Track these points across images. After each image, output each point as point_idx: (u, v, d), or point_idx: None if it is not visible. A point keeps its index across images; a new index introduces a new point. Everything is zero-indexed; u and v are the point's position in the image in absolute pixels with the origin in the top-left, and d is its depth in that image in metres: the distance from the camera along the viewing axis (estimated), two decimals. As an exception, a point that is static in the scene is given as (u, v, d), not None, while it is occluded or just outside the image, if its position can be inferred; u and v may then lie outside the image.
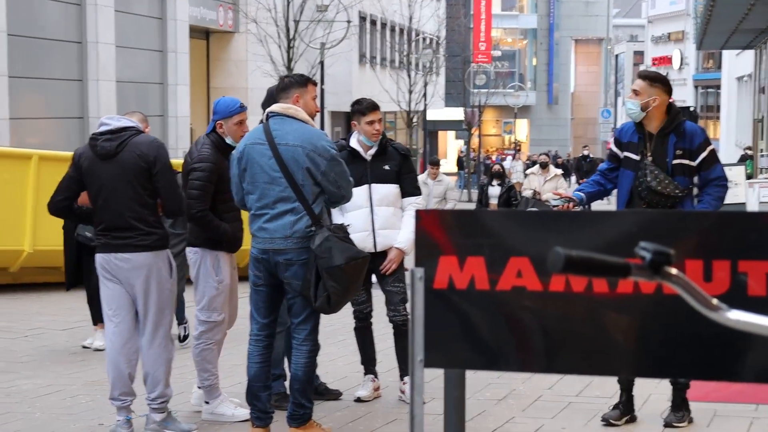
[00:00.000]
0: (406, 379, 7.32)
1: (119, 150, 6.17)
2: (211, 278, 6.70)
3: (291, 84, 6.24)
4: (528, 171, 19.92)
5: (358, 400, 7.30)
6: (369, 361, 7.48)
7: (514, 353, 2.76)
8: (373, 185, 7.17)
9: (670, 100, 6.54)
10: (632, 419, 6.65)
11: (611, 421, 6.58)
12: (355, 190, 7.10)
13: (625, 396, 6.69)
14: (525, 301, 2.70)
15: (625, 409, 6.66)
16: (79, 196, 6.44)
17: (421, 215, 2.80)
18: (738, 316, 1.96)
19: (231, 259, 6.82)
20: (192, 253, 6.80)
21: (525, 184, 19.03)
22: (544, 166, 18.85)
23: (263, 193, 6.06)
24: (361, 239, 7.12)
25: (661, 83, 6.47)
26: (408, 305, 7.73)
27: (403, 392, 7.34)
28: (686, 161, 6.39)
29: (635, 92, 6.45)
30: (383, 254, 7.21)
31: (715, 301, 1.96)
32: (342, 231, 6.09)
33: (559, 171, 19.54)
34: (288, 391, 6.63)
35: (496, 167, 20.08)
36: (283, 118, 6.10)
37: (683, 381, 6.46)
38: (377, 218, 7.16)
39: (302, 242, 6.00)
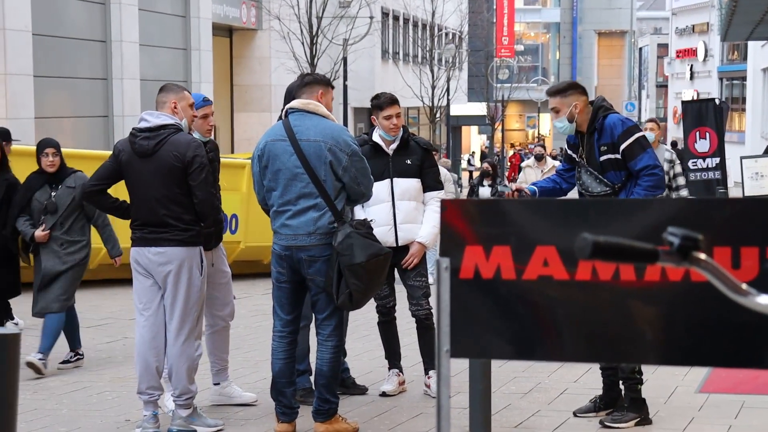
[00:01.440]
0: (431, 373, 7.31)
1: (157, 149, 6.20)
2: None
3: (315, 81, 6.27)
4: (524, 164, 18.04)
5: (383, 394, 7.29)
6: (393, 356, 7.47)
7: (540, 342, 2.74)
8: (395, 179, 7.17)
9: (590, 100, 6.54)
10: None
11: (581, 414, 6.59)
12: (377, 184, 7.11)
13: (608, 392, 6.65)
14: (551, 290, 2.69)
15: (603, 404, 6.62)
16: (111, 186, 6.49)
17: (446, 205, 2.79)
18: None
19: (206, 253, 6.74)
20: None
21: (521, 177, 17.41)
22: (539, 158, 17.40)
23: (285, 189, 6.07)
24: (383, 233, 7.12)
25: (571, 89, 6.51)
26: (431, 299, 7.77)
27: (428, 386, 7.33)
28: (612, 156, 6.32)
29: (555, 110, 6.48)
30: (405, 248, 7.21)
31: (744, 285, 1.94)
32: (365, 227, 6.07)
33: (557, 162, 18.36)
34: (313, 386, 6.64)
35: (485, 165, 18.15)
36: (304, 114, 6.10)
37: (635, 376, 6.37)
38: (399, 212, 7.15)
39: (325, 238, 6.00)
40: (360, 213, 7.17)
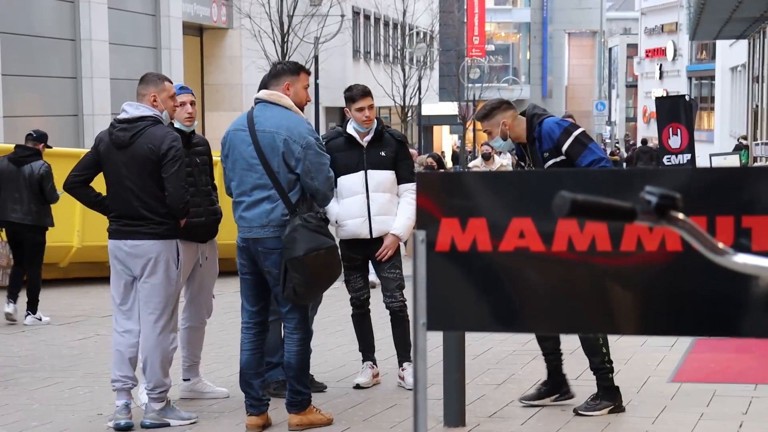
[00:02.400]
0: (406, 365, 7.31)
1: (133, 141, 6.19)
2: None
3: (283, 71, 6.18)
4: (471, 164, 17.44)
5: (357, 387, 7.28)
6: (367, 348, 7.45)
7: (517, 314, 2.74)
8: (369, 171, 7.14)
9: (519, 113, 6.56)
10: (568, 396, 6.65)
11: (526, 401, 6.63)
12: (351, 177, 7.11)
13: (552, 377, 6.68)
14: (528, 261, 2.68)
15: (547, 390, 6.66)
16: (93, 178, 6.47)
17: (421, 178, 2.78)
18: (744, 260, 1.94)
19: (185, 247, 6.69)
20: None
21: None
22: (487, 157, 16.78)
23: (241, 179, 6.07)
24: (357, 225, 7.12)
25: (495, 109, 6.51)
26: (405, 292, 7.76)
27: (402, 378, 7.32)
28: (556, 159, 6.31)
29: (487, 132, 6.57)
30: (379, 240, 7.20)
31: (721, 245, 1.94)
32: (315, 219, 5.98)
33: (505, 161, 17.27)
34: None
35: (429, 160, 16.84)
36: (266, 105, 6.08)
37: (605, 366, 6.41)
38: (373, 204, 7.13)
39: (279, 231, 5.99)
40: (335, 206, 7.16)
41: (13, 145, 11.22)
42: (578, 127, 6.44)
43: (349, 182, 7.15)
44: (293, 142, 5.93)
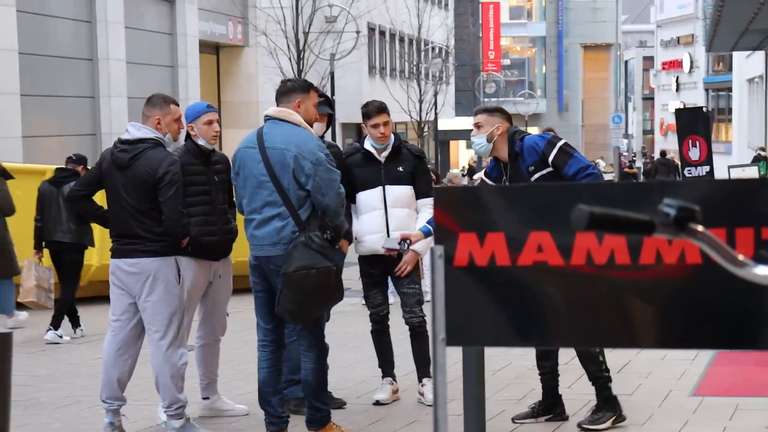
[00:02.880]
0: (425, 380, 7.29)
1: (131, 162, 6.25)
2: None
3: (293, 88, 6.18)
4: (476, 176, 17.46)
5: (377, 403, 7.27)
6: (387, 364, 7.44)
7: (537, 328, 2.73)
8: (387, 187, 7.15)
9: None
10: (563, 417, 6.63)
11: (519, 420, 6.62)
12: (370, 192, 7.12)
13: (547, 397, 6.66)
14: (547, 276, 2.68)
15: (542, 409, 6.65)
16: (95, 193, 6.56)
17: (438, 193, 2.78)
18: (765, 271, 1.93)
19: (199, 265, 6.78)
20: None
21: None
22: (471, 172, 16.38)
23: (252, 197, 6.07)
24: (376, 241, 7.13)
25: (500, 112, 6.51)
26: (425, 306, 7.75)
27: (422, 394, 7.31)
28: (543, 171, 6.27)
29: (477, 126, 6.45)
30: (398, 256, 7.19)
31: (741, 257, 1.93)
32: (319, 239, 5.94)
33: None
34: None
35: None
36: (276, 122, 6.08)
37: (604, 375, 6.39)
38: (392, 220, 7.14)
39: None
40: (354, 222, 7.18)
41: (35, 165, 11.41)
42: (560, 138, 6.44)
43: (368, 198, 7.16)
44: (303, 159, 5.92)
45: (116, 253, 6.36)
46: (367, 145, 7.23)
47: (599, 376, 6.38)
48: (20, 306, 11.38)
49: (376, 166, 7.19)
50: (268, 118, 6.14)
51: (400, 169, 7.18)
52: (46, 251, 10.83)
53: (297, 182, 5.93)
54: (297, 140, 5.96)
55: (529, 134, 6.45)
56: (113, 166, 6.31)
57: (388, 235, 7.14)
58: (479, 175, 16.12)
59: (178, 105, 6.53)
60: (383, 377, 7.43)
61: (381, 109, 7.20)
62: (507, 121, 6.47)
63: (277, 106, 6.18)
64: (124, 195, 6.27)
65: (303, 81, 6.33)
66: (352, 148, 7.40)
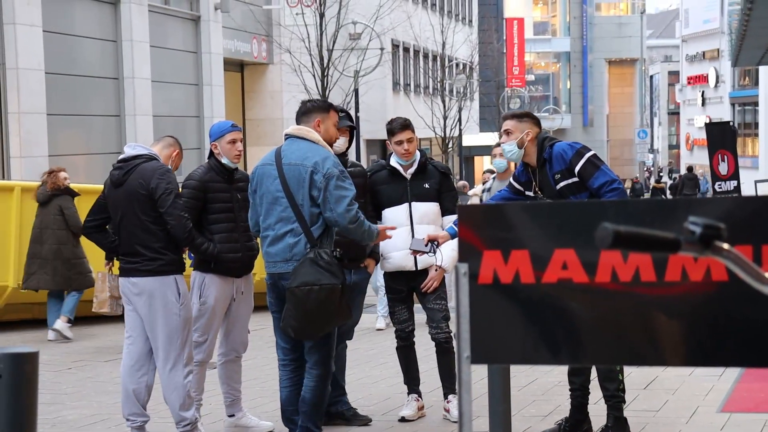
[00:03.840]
0: (451, 397, 7.29)
1: (125, 178, 6.36)
2: (195, 298, 6.82)
3: (313, 108, 6.26)
4: (470, 192, 16.23)
5: (403, 419, 7.26)
6: (412, 381, 7.45)
7: (561, 346, 2.72)
8: (414, 203, 7.20)
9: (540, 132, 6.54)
10: None
11: None
12: (396, 209, 7.16)
13: (575, 414, 6.63)
14: (571, 293, 2.67)
15: (569, 426, 6.62)
16: (108, 221, 6.66)
17: (462, 211, 2.78)
18: (792, 289, 1.92)
19: (222, 282, 6.83)
20: (192, 276, 6.94)
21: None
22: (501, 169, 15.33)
23: (267, 213, 6.12)
24: (402, 257, 7.16)
25: (529, 117, 6.52)
26: (451, 323, 7.75)
27: (447, 411, 7.30)
28: (569, 180, 6.27)
29: (507, 132, 6.44)
30: (424, 272, 7.25)
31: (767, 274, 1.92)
32: (327, 256, 5.93)
33: (479, 190, 15.77)
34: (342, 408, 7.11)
35: None
36: (295, 140, 6.13)
37: (619, 395, 6.34)
38: (418, 236, 7.15)
39: None
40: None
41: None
42: (590, 149, 6.42)
43: (394, 215, 7.20)
44: (316, 174, 5.96)
45: (122, 272, 6.51)
46: (393, 161, 7.28)
47: (615, 395, 6.35)
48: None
49: (402, 183, 7.23)
50: (287, 137, 6.19)
51: (426, 185, 7.23)
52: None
53: (311, 198, 5.95)
54: (313, 156, 6.00)
55: (560, 141, 6.44)
56: (111, 187, 6.47)
57: (414, 256, 7.16)
58: (474, 191, 15.35)
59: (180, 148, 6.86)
60: (409, 393, 7.43)
61: (405, 125, 7.24)
62: (536, 126, 6.49)
63: (298, 124, 6.22)
64: (122, 212, 6.39)
65: (323, 101, 6.41)
66: (378, 165, 7.45)
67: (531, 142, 6.40)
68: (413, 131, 7.28)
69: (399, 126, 7.22)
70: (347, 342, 7.47)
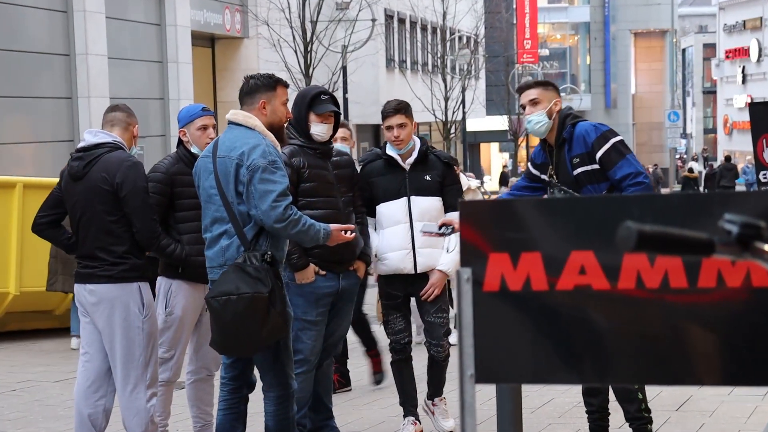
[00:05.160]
0: (437, 400, 7.48)
1: (87, 170, 6.31)
2: (160, 308, 6.81)
3: (256, 87, 6.16)
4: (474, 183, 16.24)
5: None
6: (409, 401, 7.47)
7: (579, 363, 2.72)
8: (413, 198, 7.22)
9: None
10: None
11: None
12: (392, 204, 7.17)
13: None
14: (590, 302, 2.67)
15: None
16: (63, 218, 6.60)
17: (464, 207, 2.78)
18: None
19: (192, 289, 6.81)
20: (158, 282, 6.94)
21: None
22: (503, 180, 14.99)
23: (204, 212, 6.13)
24: (400, 259, 7.18)
25: (552, 86, 6.57)
26: (451, 337, 7.76)
27: (432, 413, 7.49)
28: (588, 167, 6.28)
29: (534, 102, 6.43)
30: (423, 277, 7.25)
31: (815, 280, 1.92)
32: (256, 260, 5.89)
33: (475, 183, 15.78)
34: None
35: None
36: (232, 127, 6.11)
37: (643, 415, 6.37)
38: (418, 235, 7.16)
39: None
40: (375, 238, 7.24)
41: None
42: (617, 134, 6.42)
43: (390, 210, 7.21)
44: (243, 167, 5.93)
45: (78, 278, 6.45)
46: (390, 150, 7.28)
47: (637, 417, 6.36)
48: None
49: (399, 175, 7.24)
50: (228, 123, 6.17)
51: (427, 178, 7.24)
52: None
53: (238, 194, 5.96)
54: (241, 146, 5.96)
55: (584, 120, 6.44)
56: (70, 180, 6.41)
57: (414, 253, 7.16)
58: (473, 183, 15.40)
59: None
60: (405, 416, 7.44)
61: (397, 109, 7.23)
62: (559, 96, 6.56)
63: (241, 108, 6.18)
64: (82, 210, 6.35)
65: (268, 77, 6.24)
66: (372, 154, 7.44)
67: (557, 114, 6.44)
68: (409, 116, 7.26)
69: (391, 109, 7.22)
70: (335, 357, 7.48)
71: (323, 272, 6.85)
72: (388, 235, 7.20)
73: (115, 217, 6.29)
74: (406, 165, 7.26)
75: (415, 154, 7.26)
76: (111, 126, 6.49)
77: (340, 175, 6.98)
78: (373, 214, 7.28)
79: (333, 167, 6.96)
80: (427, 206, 7.22)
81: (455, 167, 7.59)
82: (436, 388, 7.47)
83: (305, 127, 6.84)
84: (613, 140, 6.27)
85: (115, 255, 6.30)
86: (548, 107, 6.40)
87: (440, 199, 7.27)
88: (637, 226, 1.82)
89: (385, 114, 7.23)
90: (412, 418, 7.45)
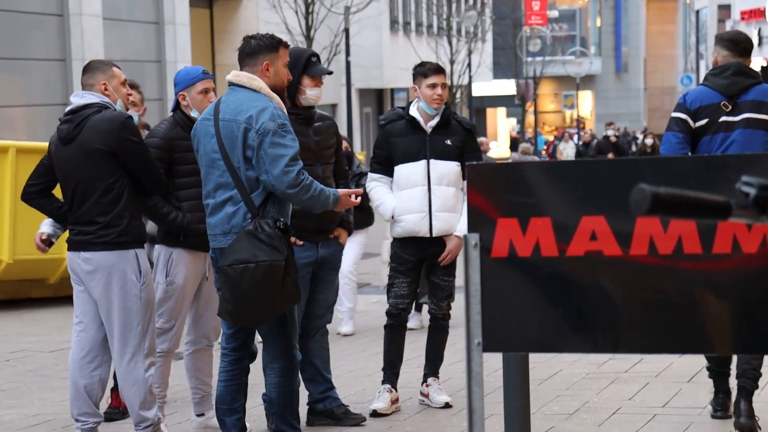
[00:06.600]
0: (431, 380, 7.55)
1: (77, 132, 6.28)
2: (161, 277, 6.81)
3: (259, 48, 6.12)
4: (521, 149, 15.87)
5: (375, 413, 7.36)
6: (390, 367, 7.54)
7: (589, 331, 2.72)
8: (432, 161, 7.34)
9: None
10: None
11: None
12: (411, 166, 7.29)
13: (722, 396, 6.78)
14: (601, 268, 2.67)
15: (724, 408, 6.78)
16: (54, 186, 6.58)
17: (471, 170, 2.78)
18: None
19: (193, 258, 6.82)
20: (155, 250, 6.92)
21: None
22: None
23: (206, 177, 6.10)
24: (416, 222, 7.30)
25: (716, 40, 6.90)
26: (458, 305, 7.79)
27: (426, 396, 7.53)
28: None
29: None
30: (438, 241, 7.37)
31: (835, 245, 1.92)
32: (269, 227, 5.89)
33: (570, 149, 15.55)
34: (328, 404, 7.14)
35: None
36: (235, 88, 6.07)
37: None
38: (435, 198, 7.31)
39: None
40: (389, 198, 7.37)
41: None
42: None
43: (409, 172, 7.32)
44: (251, 130, 5.91)
45: (71, 245, 6.43)
46: (413, 111, 7.41)
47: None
48: None
49: (420, 137, 7.35)
50: (229, 85, 6.14)
51: (448, 142, 7.36)
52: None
53: (246, 159, 5.93)
54: (248, 109, 5.93)
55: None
56: (59, 144, 6.39)
57: (431, 216, 7.24)
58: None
59: (119, 68, 6.59)
60: (382, 383, 7.50)
61: (439, 68, 7.43)
62: (726, 49, 6.76)
63: (241, 69, 6.14)
64: (73, 173, 6.33)
65: (270, 37, 6.21)
66: (394, 113, 7.57)
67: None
68: (446, 77, 7.41)
69: (434, 68, 7.40)
70: (327, 327, 7.48)
71: (300, 242, 6.89)
72: (405, 197, 7.31)
73: (112, 179, 6.27)
74: (428, 127, 7.37)
75: (437, 118, 7.38)
76: (90, 80, 6.46)
77: (321, 142, 6.99)
78: (391, 174, 7.35)
79: (314, 133, 6.97)
80: (446, 170, 7.34)
81: (476, 134, 7.71)
82: (432, 366, 7.55)
83: (294, 91, 6.84)
84: None
85: (111, 218, 6.29)
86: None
87: (459, 164, 7.38)
88: (652, 188, 1.81)
89: (428, 72, 7.34)
90: (389, 385, 7.50)
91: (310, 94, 6.89)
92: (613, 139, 32.93)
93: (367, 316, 11.76)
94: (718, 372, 6.76)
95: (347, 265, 10.10)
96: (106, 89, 6.40)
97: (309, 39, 27.22)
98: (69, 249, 6.46)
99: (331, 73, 7.22)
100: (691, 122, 6.59)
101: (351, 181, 9.24)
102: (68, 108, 6.42)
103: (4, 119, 19.87)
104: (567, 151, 35.96)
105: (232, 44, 29.84)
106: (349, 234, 7.40)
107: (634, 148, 37.11)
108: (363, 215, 10.18)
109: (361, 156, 12.20)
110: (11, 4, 20.20)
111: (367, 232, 11.27)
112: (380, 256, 12.21)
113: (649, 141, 31.36)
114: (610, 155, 30.53)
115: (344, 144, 10.76)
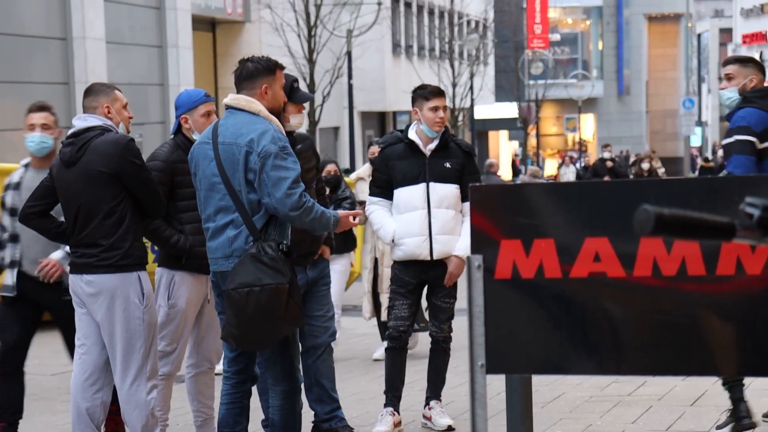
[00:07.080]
0: (433, 403, 7.55)
1: (80, 155, 6.31)
2: (162, 300, 6.80)
3: (257, 71, 6.11)
4: (356, 174, 14.01)
5: None
6: (392, 389, 7.55)
7: (593, 353, 2.72)
8: (432, 184, 7.38)
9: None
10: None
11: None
12: (411, 189, 7.34)
13: (743, 404, 6.78)
14: (605, 290, 2.67)
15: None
16: (53, 207, 6.60)
17: (475, 192, 2.78)
18: None
19: (195, 280, 6.83)
20: (157, 273, 6.92)
21: (358, 187, 12.99)
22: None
23: (206, 201, 6.09)
24: (416, 245, 7.35)
25: (753, 62, 6.82)
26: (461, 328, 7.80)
27: (429, 419, 7.52)
28: None
29: (728, 78, 6.69)
30: (440, 264, 7.40)
31: (839, 266, 1.92)
32: (272, 250, 5.89)
33: (364, 172, 13.61)
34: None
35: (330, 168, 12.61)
36: (233, 112, 6.07)
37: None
38: (435, 221, 7.34)
39: None
40: (390, 222, 7.39)
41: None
42: None
43: (409, 195, 7.37)
44: (252, 153, 5.90)
45: (73, 268, 6.45)
46: (412, 134, 7.44)
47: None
48: None
49: (419, 160, 7.39)
50: (226, 108, 6.14)
51: (447, 165, 7.41)
52: None
53: (248, 183, 5.92)
54: (248, 132, 5.93)
55: None
56: (62, 166, 6.41)
57: (431, 240, 7.27)
58: (358, 173, 14.29)
59: (121, 91, 6.64)
60: (385, 406, 7.50)
61: (440, 91, 7.49)
62: (761, 73, 6.78)
63: (238, 92, 6.13)
64: (76, 196, 6.34)
65: (267, 60, 6.21)
66: (393, 136, 7.63)
67: (755, 88, 6.70)
68: (446, 100, 7.44)
69: (435, 90, 7.45)
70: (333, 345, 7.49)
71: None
72: (405, 221, 7.35)
73: (115, 201, 6.28)
74: (427, 150, 7.40)
75: (436, 141, 7.41)
76: (91, 105, 6.49)
77: (303, 165, 6.99)
78: (391, 197, 7.40)
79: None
80: (446, 193, 7.38)
81: (474, 156, 7.74)
82: (434, 389, 7.57)
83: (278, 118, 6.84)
84: None
85: (115, 240, 6.29)
86: (742, 83, 6.69)
87: (458, 186, 7.41)
88: (656, 209, 1.81)
89: (429, 95, 7.39)
90: (391, 408, 7.52)
91: (293, 121, 6.95)
92: (609, 164, 32.70)
93: (369, 339, 11.74)
94: (732, 384, 6.74)
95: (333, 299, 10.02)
96: (109, 112, 6.43)
97: (311, 62, 27.27)
98: (71, 271, 6.48)
99: (312, 98, 7.23)
100: (758, 143, 6.64)
101: (332, 203, 9.30)
102: (71, 131, 6.44)
103: (7, 143, 19.89)
104: (567, 176, 36.10)
105: (235, 67, 29.93)
106: (331, 250, 7.47)
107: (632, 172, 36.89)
108: (342, 240, 10.00)
109: (350, 182, 11.80)
110: (15, 27, 20.25)
111: (349, 256, 11.26)
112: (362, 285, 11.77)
113: (645, 165, 30.83)
114: (606, 178, 30.42)
115: (332, 168, 10.77)
